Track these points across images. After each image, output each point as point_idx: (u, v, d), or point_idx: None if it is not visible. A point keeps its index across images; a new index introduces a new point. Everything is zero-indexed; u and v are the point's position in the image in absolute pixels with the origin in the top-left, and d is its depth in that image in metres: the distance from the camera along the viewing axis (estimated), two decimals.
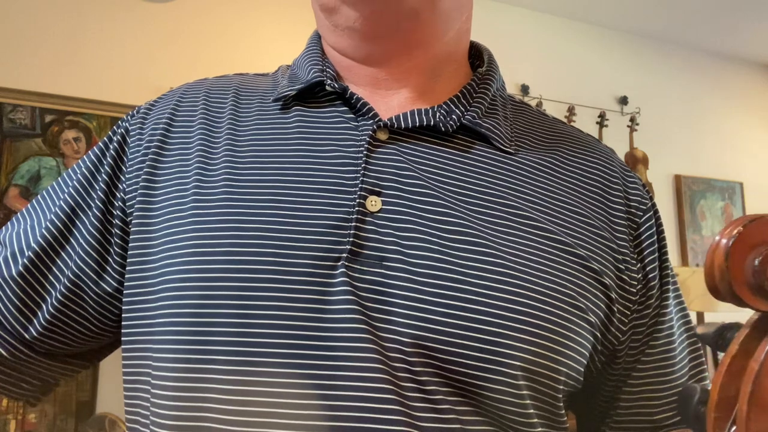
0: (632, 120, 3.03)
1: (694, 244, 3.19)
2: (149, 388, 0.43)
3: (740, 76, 3.60)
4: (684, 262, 3.14)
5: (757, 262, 0.28)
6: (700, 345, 0.54)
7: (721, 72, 3.53)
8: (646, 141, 3.12)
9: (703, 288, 2.57)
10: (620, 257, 0.48)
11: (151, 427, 0.42)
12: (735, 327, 0.31)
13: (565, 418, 0.46)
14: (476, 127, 0.47)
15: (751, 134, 3.57)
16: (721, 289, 0.28)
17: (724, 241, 0.28)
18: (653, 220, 0.51)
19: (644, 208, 0.51)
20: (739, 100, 3.56)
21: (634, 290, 0.48)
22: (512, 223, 0.44)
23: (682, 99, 3.36)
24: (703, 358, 0.54)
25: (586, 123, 2.91)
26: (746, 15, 3.03)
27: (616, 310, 0.47)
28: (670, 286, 0.51)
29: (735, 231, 0.28)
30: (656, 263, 0.50)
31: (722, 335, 0.32)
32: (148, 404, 0.43)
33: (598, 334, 0.46)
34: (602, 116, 2.97)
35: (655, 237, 0.50)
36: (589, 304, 0.44)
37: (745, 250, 0.28)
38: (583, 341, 0.44)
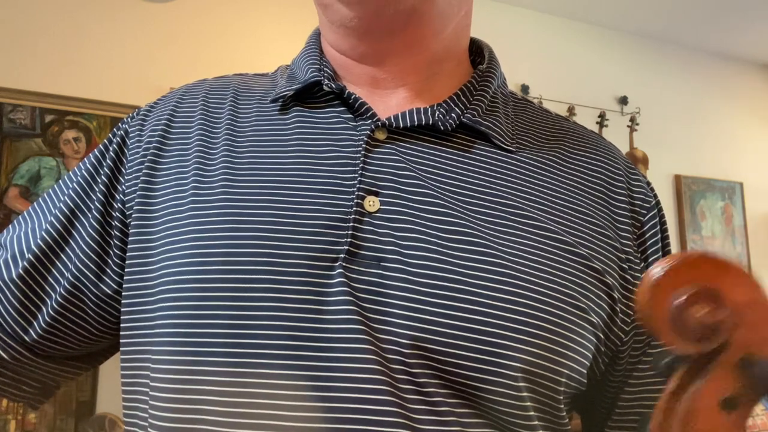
0: (632, 120, 3.03)
1: (694, 244, 3.18)
2: (148, 390, 0.42)
3: (740, 76, 3.59)
4: None
5: (679, 302, 0.26)
6: None
7: (721, 72, 3.52)
8: (646, 141, 3.12)
9: None
10: (623, 256, 0.47)
11: (149, 429, 0.42)
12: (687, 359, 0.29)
13: (567, 420, 0.46)
14: (476, 125, 0.47)
15: (751, 134, 3.57)
16: (643, 322, 0.27)
17: (653, 273, 0.27)
18: (657, 218, 0.50)
19: (648, 206, 0.50)
20: (739, 100, 3.55)
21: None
22: (512, 223, 0.44)
23: (682, 99, 3.36)
24: None
25: (586, 123, 2.91)
26: (746, 15, 3.03)
27: (618, 310, 0.46)
28: None
29: (664, 266, 0.27)
30: None
31: (672, 367, 0.29)
32: (147, 406, 0.42)
33: (601, 335, 0.46)
34: (602, 116, 2.97)
35: (659, 236, 0.50)
36: (590, 304, 0.44)
37: (670, 289, 0.27)
38: (585, 342, 0.43)
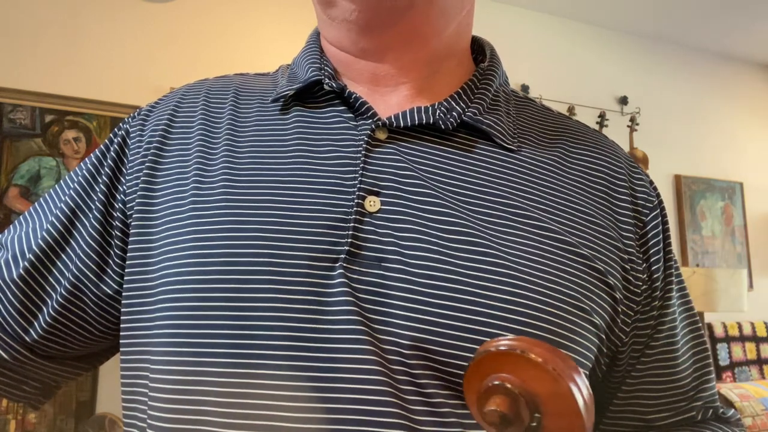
0: (632, 120, 3.04)
1: (694, 244, 3.18)
2: (147, 391, 0.42)
3: (740, 76, 3.60)
4: (684, 262, 3.14)
5: (478, 395, 0.28)
6: (707, 345, 0.53)
7: (721, 72, 3.53)
8: (646, 141, 3.12)
9: (704, 288, 2.58)
10: (626, 256, 0.47)
11: (147, 430, 0.41)
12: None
13: None
14: (477, 124, 0.46)
15: (751, 134, 3.57)
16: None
17: (480, 351, 0.29)
18: (660, 218, 0.50)
19: (651, 205, 0.50)
20: (738, 100, 3.56)
21: (639, 290, 0.48)
22: (514, 223, 0.43)
23: (682, 99, 3.36)
24: (710, 360, 0.53)
25: (585, 123, 2.91)
26: (746, 15, 3.03)
27: (620, 310, 0.46)
28: (674, 285, 0.50)
29: (474, 357, 0.29)
30: (661, 263, 0.49)
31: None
32: (146, 407, 0.42)
33: (603, 336, 0.45)
34: (602, 116, 2.97)
35: (661, 236, 0.50)
36: (593, 305, 0.43)
37: (476, 381, 0.29)
38: (587, 344, 0.43)
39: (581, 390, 0.27)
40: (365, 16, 0.44)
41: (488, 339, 0.39)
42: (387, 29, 0.46)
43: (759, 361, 3.08)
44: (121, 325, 0.46)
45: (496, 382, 0.28)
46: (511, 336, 0.29)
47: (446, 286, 0.39)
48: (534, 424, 0.28)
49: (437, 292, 0.39)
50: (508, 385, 0.27)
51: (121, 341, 0.46)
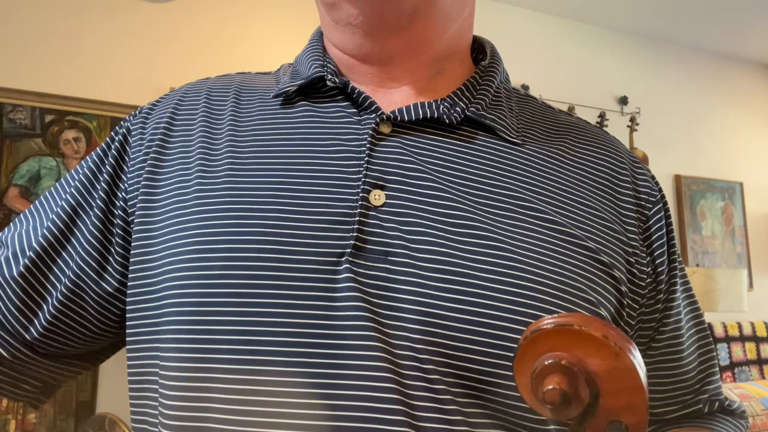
0: (632, 120, 3.04)
1: (694, 244, 3.19)
2: (157, 387, 0.42)
3: (740, 76, 3.60)
4: (684, 262, 3.14)
5: (534, 374, 0.27)
6: (711, 339, 0.53)
7: (722, 72, 3.53)
8: (646, 141, 3.12)
9: (704, 288, 2.58)
10: (630, 250, 0.47)
11: (159, 427, 0.41)
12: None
13: None
14: (481, 118, 0.46)
15: (751, 134, 3.57)
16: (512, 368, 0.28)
17: (517, 345, 0.28)
18: (663, 213, 0.50)
19: (654, 199, 0.50)
20: (739, 100, 3.56)
21: (644, 284, 0.48)
22: (520, 215, 0.43)
23: (682, 99, 3.36)
24: (714, 353, 0.53)
25: None
26: (746, 15, 3.03)
27: (625, 303, 0.46)
28: (678, 279, 0.51)
29: (526, 336, 0.28)
30: (665, 257, 0.49)
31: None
32: (157, 404, 0.42)
33: None
34: (602, 116, 2.97)
35: (664, 230, 0.50)
36: (599, 297, 0.43)
37: (530, 360, 0.28)
38: None
39: (641, 365, 0.25)
40: (369, 20, 0.45)
41: (497, 331, 0.39)
42: (392, 35, 0.46)
43: (759, 361, 3.08)
44: (127, 323, 0.46)
45: (551, 361, 0.26)
46: (561, 313, 0.28)
47: (454, 279, 0.39)
48: (591, 402, 0.26)
49: (445, 285, 0.39)
50: (565, 363, 0.26)
51: (127, 338, 0.46)
